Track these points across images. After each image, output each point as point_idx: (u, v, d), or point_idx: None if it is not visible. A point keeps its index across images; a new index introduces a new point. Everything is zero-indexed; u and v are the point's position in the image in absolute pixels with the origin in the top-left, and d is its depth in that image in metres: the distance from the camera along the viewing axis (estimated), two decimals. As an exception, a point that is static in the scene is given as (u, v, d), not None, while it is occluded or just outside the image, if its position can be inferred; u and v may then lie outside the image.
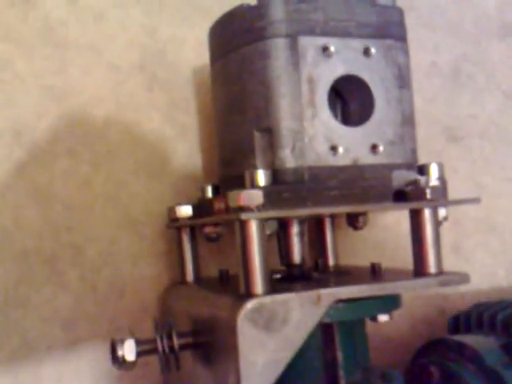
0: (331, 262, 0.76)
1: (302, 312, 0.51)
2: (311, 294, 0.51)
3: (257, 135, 0.57)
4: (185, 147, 0.81)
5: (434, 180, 0.60)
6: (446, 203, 0.59)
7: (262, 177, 0.55)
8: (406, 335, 0.86)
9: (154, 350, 0.55)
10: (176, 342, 0.55)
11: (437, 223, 0.58)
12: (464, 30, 0.99)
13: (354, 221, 0.69)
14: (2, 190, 0.73)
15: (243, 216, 0.50)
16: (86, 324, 0.74)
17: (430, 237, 0.57)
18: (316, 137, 0.57)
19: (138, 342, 0.55)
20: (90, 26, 0.80)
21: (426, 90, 0.94)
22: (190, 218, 0.68)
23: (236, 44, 0.59)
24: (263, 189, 0.54)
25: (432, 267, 0.57)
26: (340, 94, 0.61)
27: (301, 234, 0.64)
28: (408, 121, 0.61)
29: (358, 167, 0.58)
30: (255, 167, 0.57)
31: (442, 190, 0.59)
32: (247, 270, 0.51)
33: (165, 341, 0.55)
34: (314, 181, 0.56)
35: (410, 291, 0.62)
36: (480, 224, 0.92)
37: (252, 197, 0.51)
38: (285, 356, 0.50)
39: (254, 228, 0.51)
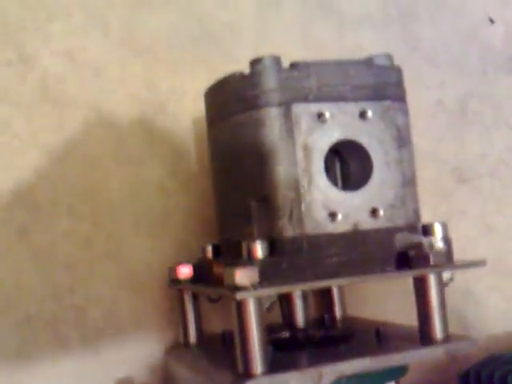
0: (338, 314, 0.74)
1: (302, 392, 0.49)
2: (312, 371, 0.50)
3: (253, 204, 0.56)
4: (186, 200, 0.80)
5: (438, 241, 0.59)
6: (451, 267, 0.57)
7: (259, 248, 0.54)
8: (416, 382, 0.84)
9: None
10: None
11: (441, 287, 0.57)
12: (470, 65, 0.98)
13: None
14: (3, 253, 0.72)
15: (238, 296, 0.49)
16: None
17: (436, 301, 0.56)
18: (313, 204, 0.56)
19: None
20: (89, 82, 0.79)
21: (433, 129, 0.93)
22: (190, 280, 0.67)
23: (230, 112, 0.59)
24: (260, 262, 0.53)
25: (438, 333, 0.56)
26: (339, 154, 0.60)
27: (304, 297, 0.62)
28: (409, 181, 0.59)
29: (358, 232, 0.57)
30: (252, 237, 0.56)
31: (446, 253, 0.58)
32: (245, 348, 0.50)
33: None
34: (313, 249, 0.55)
35: (416, 361, 0.60)
36: (492, 267, 0.89)
37: (248, 274, 0.50)
38: None
39: (250, 306, 0.50)
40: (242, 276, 0.49)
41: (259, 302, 0.50)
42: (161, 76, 0.82)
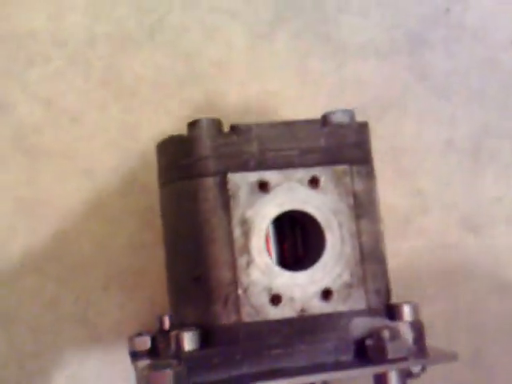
0: None
1: None
2: None
3: (189, 285, 0.50)
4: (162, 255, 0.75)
5: (405, 327, 0.51)
6: (413, 362, 0.49)
7: (186, 339, 0.48)
8: None
9: None
10: None
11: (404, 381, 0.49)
12: (487, 97, 0.88)
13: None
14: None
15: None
16: None
17: (397, 402, 0.48)
18: (252, 287, 0.49)
19: None
20: (66, 130, 0.76)
21: (441, 171, 0.83)
22: (148, 354, 0.61)
23: (169, 178, 0.53)
24: (187, 356, 0.47)
25: None
26: (286, 227, 0.53)
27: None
28: (370, 256, 0.52)
29: (307, 319, 0.50)
30: (186, 324, 0.50)
31: (411, 342, 0.50)
32: None
33: None
34: (252, 339, 0.49)
35: None
36: (505, 326, 0.79)
37: (162, 381, 0.43)
38: None
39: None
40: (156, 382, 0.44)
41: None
42: (143, 120, 0.77)
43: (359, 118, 0.57)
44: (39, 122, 0.75)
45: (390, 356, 0.47)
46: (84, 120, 0.76)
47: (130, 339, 0.63)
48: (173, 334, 0.48)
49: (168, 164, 0.53)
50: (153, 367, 0.44)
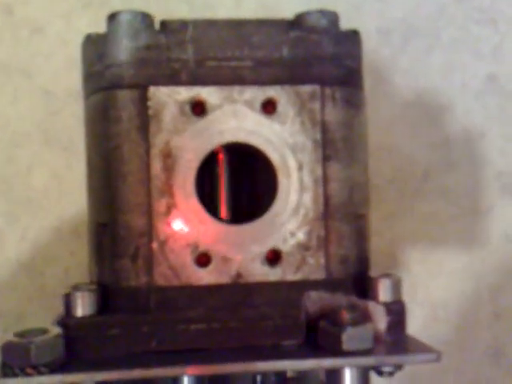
0: None
1: None
2: None
3: (96, 233, 0.38)
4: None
5: (377, 310, 0.38)
6: (377, 360, 0.36)
7: (81, 303, 0.36)
8: None
9: None
10: None
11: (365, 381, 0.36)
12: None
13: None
14: None
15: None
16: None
17: (352, 407, 0.35)
18: (172, 240, 0.37)
19: None
20: (26, 43, 0.65)
21: (475, 119, 0.68)
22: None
23: (86, 89, 0.40)
24: (75, 322, 0.35)
25: None
26: (228, 165, 0.40)
27: None
28: (339, 212, 0.38)
29: (243, 287, 0.37)
30: (88, 282, 0.39)
31: (378, 332, 0.36)
32: None
33: None
34: (166, 309, 0.37)
35: None
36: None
37: (20, 352, 0.32)
38: None
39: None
40: (12, 355, 0.32)
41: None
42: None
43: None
44: (-2, 32, 0.64)
45: (345, 347, 0.34)
46: (45, 32, 0.64)
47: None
48: (65, 294, 0.37)
49: (84, 71, 0.40)
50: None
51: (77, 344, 0.35)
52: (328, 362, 0.34)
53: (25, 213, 0.63)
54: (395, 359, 0.35)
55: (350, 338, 0.35)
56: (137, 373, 0.34)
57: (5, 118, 0.64)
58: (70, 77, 0.63)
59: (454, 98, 0.67)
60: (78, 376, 0.33)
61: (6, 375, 0.32)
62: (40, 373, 0.32)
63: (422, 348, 0.36)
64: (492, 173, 0.67)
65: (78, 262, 0.62)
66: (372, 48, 0.65)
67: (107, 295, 0.37)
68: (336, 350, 0.35)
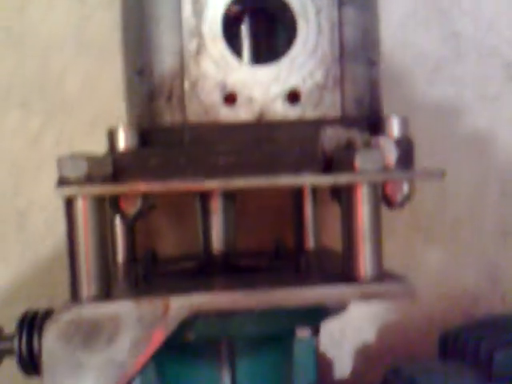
0: (311, 244, 0.58)
1: (139, 327, 0.37)
2: (156, 303, 0.37)
3: (128, 79, 0.42)
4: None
5: (387, 142, 0.41)
6: (387, 176, 0.40)
7: (122, 137, 0.40)
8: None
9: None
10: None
11: (376, 204, 0.40)
12: None
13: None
14: None
15: (58, 191, 0.37)
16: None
17: (366, 224, 0.39)
18: (203, 80, 0.41)
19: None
20: None
21: (482, 11, 0.70)
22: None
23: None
24: (116, 154, 0.40)
25: (367, 268, 0.40)
26: (251, 13, 0.44)
27: (225, 211, 0.48)
28: (354, 54, 0.42)
29: (266, 124, 0.41)
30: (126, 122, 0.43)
31: (389, 160, 0.40)
32: (74, 265, 0.38)
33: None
34: (198, 143, 0.41)
35: (334, 301, 0.44)
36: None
37: (75, 165, 0.37)
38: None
39: (79, 207, 0.37)
40: (69, 167, 0.37)
41: (97, 205, 0.38)
42: None
43: None
44: None
45: (360, 166, 0.38)
46: None
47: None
48: (109, 130, 0.41)
49: None
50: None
51: (120, 176, 0.39)
52: (343, 178, 0.38)
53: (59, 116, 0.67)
54: (404, 174, 0.40)
55: (363, 157, 0.38)
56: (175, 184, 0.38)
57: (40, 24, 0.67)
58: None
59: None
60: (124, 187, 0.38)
61: (62, 183, 0.36)
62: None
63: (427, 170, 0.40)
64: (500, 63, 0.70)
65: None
66: None
67: (144, 135, 0.41)
68: (351, 169, 0.38)
